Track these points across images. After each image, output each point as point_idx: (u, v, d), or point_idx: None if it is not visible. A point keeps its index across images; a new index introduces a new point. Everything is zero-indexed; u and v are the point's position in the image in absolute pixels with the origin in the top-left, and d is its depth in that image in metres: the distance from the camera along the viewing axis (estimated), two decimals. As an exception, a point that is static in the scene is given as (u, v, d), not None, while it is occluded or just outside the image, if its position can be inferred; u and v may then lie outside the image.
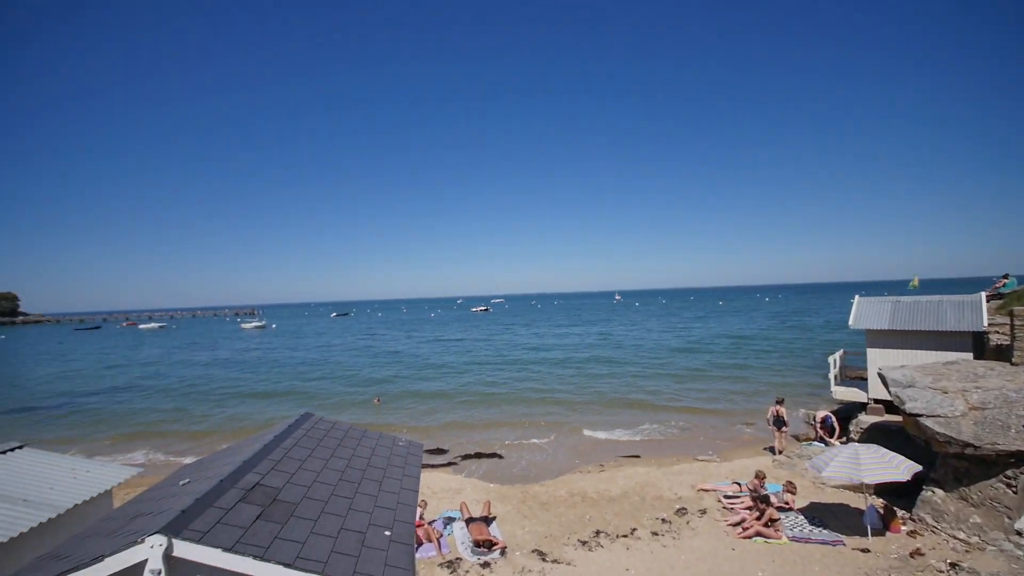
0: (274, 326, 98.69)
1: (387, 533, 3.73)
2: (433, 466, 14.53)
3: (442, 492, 12.07)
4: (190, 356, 48.74)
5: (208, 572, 2.93)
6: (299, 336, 70.22)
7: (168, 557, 2.77)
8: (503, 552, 8.81)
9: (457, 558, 8.73)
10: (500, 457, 15.42)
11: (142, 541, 2.73)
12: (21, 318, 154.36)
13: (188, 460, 16.01)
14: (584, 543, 9.17)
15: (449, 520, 10.12)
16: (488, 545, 8.87)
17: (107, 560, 2.74)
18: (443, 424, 19.92)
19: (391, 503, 4.35)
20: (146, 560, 2.75)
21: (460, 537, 9.32)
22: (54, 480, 4.82)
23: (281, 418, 21.96)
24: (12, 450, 5.15)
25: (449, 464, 14.97)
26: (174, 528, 2.81)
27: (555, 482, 12.81)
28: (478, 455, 15.61)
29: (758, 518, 9.28)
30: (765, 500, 9.56)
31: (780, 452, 13.89)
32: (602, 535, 9.47)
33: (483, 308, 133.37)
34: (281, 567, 2.89)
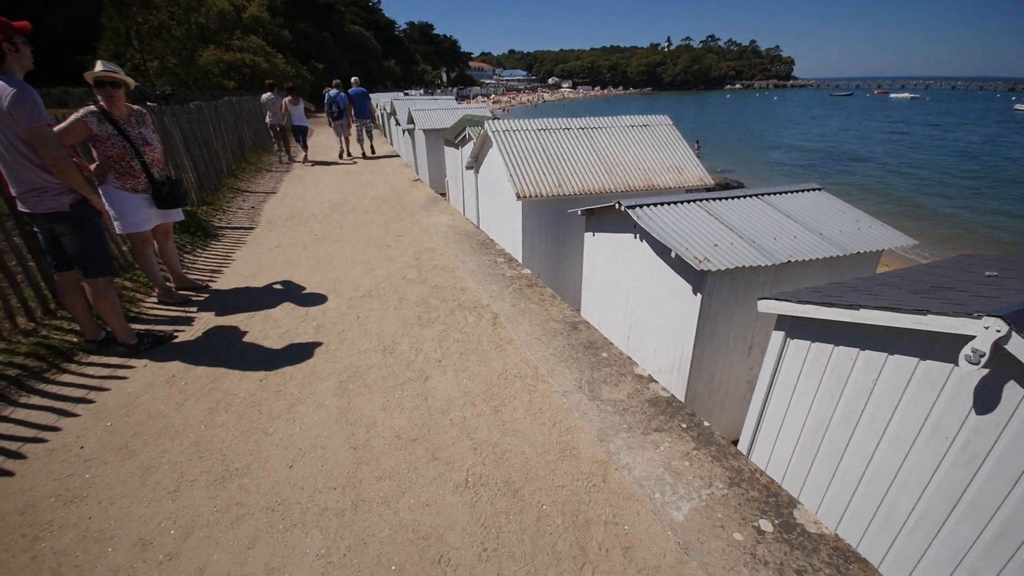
0: (1074, 111, 68.34)
1: None
2: None
3: None
4: (930, 134, 42.58)
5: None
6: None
7: (996, 346, 2.55)
8: None
9: None
10: None
11: (978, 316, 2.59)
12: (791, 82, 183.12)
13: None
14: None
15: None
16: None
17: (930, 316, 2.84)
18: None
19: None
20: (970, 337, 2.65)
21: None
22: (842, 225, 5.47)
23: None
24: (810, 191, 6.12)
25: None
26: (1017, 320, 2.48)
27: None
28: None
29: None
30: None
31: None
32: None
33: None
34: None
